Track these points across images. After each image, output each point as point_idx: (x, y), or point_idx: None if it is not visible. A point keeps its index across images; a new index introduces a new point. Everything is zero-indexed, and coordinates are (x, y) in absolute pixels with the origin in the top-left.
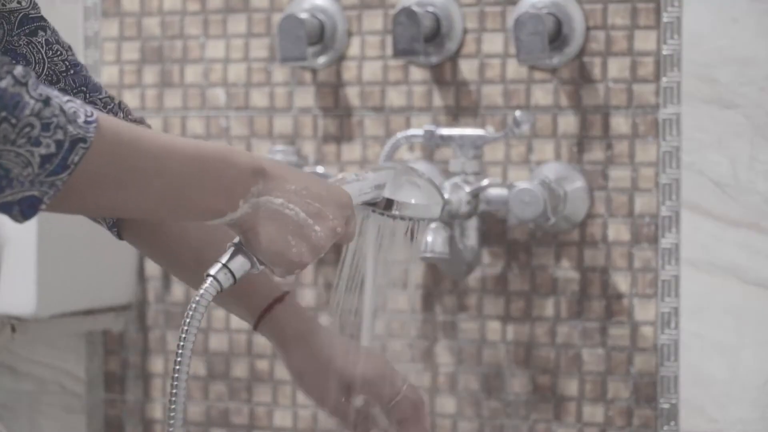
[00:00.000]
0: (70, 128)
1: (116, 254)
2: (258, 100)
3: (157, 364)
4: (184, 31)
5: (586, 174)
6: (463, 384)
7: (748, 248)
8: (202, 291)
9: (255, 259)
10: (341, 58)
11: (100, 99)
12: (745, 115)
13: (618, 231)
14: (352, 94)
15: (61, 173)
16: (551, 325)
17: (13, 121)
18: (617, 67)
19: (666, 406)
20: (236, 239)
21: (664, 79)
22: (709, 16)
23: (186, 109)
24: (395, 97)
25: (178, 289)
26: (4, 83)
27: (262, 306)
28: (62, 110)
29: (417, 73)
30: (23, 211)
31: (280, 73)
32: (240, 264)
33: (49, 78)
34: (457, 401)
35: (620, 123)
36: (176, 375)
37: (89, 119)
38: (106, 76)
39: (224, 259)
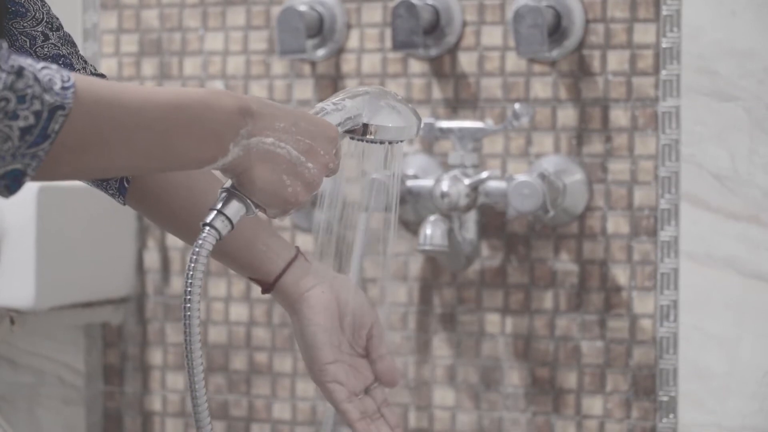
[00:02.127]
0: (47, 97)
1: (115, 247)
2: (257, 92)
3: (156, 357)
4: (183, 24)
5: (585, 167)
6: (461, 376)
7: (748, 241)
8: (200, 241)
9: (250, 201)
10: (340, 51)
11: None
12: (745, 108)
13: (617, 224)
14: (351, 86)
15: (42, 143)
16: (550, 317)
17: None
18: (617, 60)
19: (665, 398)
20: (227, 183)
21: (663, 72)
22: (708, 9)
23: None
24: (394, 90)
25: (176, 282)
26: None
27: (277, 270)
28: (37, 79)
29: (416, 66)
30: (8, 185)
31: (279, 65)
32: (236, 209)
33: (50, 24)
34: (456, 394)
35: (619, 116)
36: (187, 330)
37: (66, 85)
38: (104, 69)
39: (219, 206)
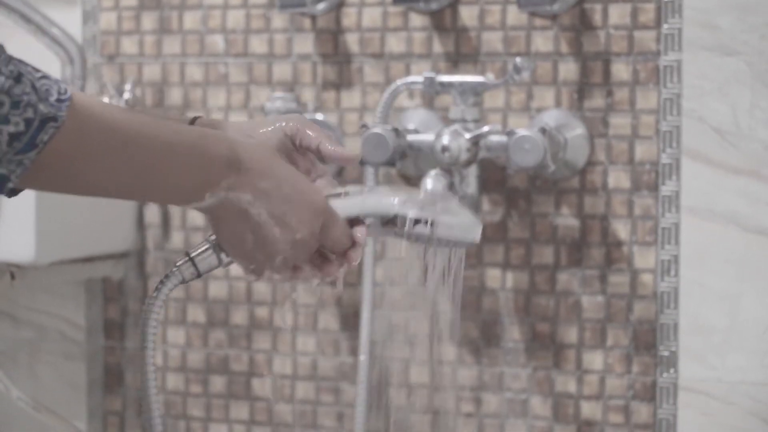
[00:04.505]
0: (41, 107)
1: (115, 202)
2: (257, 46)
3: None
4: None
5: (586, 121)
6: (462, 332)
7: (749, 196)
8: (162, 285)
9: (223, 256)
10: (341, 5)
11: None
12: (746, 62)
13: (618, 178)
14: (351, 40)
15: (29, 152)
16: (551, 272)
17: None
18: (618, 14)
19: (665, 353)
20: (213, 236)
21: (665, 26)
22: None
23: (185, 56)
24: (395, 44)
25: (177, 237)
26: None
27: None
28: (34, 88)
29: (417, 20)
30: None
31: (279, 19)
32: (208, 263)
33: None
34: (457, 349)
35: (621, 70)
36: (145, 372)
37: (62, 97)
38: (104, 23)
39: (193, 252)
